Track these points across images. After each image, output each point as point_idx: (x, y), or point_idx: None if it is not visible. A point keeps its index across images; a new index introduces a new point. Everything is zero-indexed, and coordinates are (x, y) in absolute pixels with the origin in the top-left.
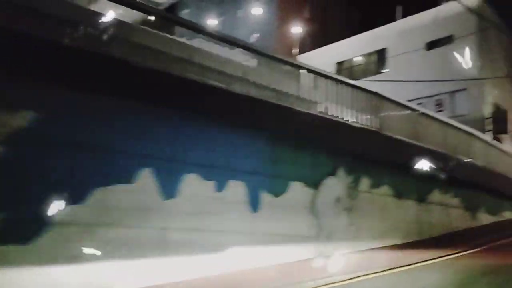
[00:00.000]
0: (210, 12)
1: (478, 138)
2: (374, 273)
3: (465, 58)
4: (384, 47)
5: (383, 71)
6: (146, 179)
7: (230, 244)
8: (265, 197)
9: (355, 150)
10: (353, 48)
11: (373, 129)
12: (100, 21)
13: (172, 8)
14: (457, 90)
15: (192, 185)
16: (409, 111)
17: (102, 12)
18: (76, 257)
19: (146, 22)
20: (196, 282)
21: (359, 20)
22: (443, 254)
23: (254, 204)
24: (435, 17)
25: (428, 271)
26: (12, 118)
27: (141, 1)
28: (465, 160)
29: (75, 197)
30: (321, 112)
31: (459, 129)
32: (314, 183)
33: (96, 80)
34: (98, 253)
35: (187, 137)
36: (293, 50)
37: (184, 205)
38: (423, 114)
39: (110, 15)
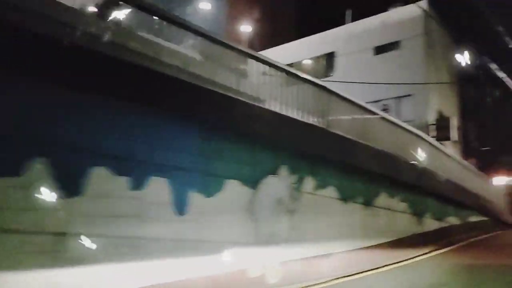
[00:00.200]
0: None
1: (426, 141)
2: (319, 284)
3: (412, 64)
4: (332, 50)
5: (331, 74)
6: (38, 171)
7: (149, 253)
8: (195, 198)
9: (300, 148)
10: (303, 50)
11: (320, 126)
12: None
13: None
14: (403, 96)
15: (101, 181)
16: (358, 109)
17: None
18: None
19: None
20: None
21: (309, 23)
22: (392, 262)
23: (181, 205)
24: (383, 22)
25: (377, 279)
26: None
27: None
28: (413, 163)
29: None
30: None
31: (408, 130)
32: (253, 182)
33: None
34: None
35: (95, 121)
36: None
37: (88, 206)
38: (373, 112)
39: None
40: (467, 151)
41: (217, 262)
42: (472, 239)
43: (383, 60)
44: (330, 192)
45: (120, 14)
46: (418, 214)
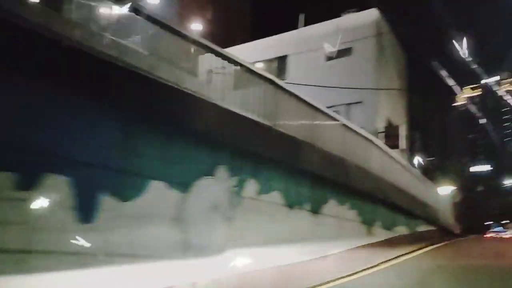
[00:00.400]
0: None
1: (377, 146)
2: None
3: (363, 70)
4: (285, 54)
5: (284, 78)
6: None
7: (40, 268)
8: (107, 202)
9: (241, 147)
10: (256, 52)
11: (265, 123)
12: None
13: None
14: (354, 103)
15: None
16: (307, 107)
17: None
18: None
19: None
20: None
21: (263, 26)
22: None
23: (87, 211)
24: (336, 28)
25: None
26: None
27: None
28: (363, 168)
29: None
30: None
31: (359, 134)
32: (183, 184)
33: None
34: None
35: None
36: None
37: None
38: (323, 112)
39: None
40: (413, 160)
41: (132, 280)
42: (421, 251)
43: (335, 65)
44: (275, 197)
45: None
46: (368, 223)
